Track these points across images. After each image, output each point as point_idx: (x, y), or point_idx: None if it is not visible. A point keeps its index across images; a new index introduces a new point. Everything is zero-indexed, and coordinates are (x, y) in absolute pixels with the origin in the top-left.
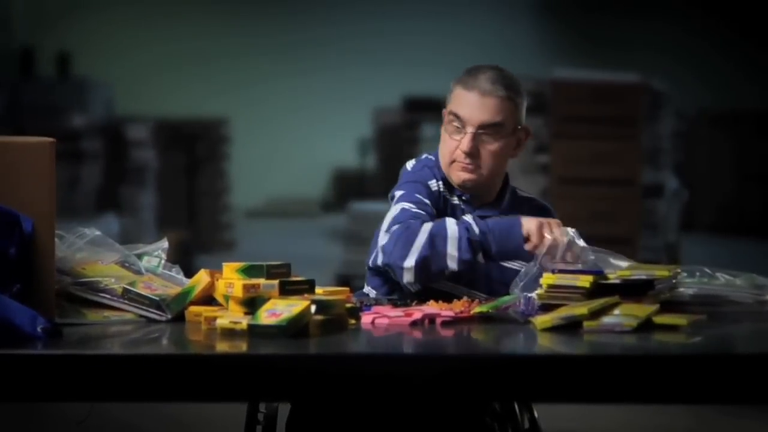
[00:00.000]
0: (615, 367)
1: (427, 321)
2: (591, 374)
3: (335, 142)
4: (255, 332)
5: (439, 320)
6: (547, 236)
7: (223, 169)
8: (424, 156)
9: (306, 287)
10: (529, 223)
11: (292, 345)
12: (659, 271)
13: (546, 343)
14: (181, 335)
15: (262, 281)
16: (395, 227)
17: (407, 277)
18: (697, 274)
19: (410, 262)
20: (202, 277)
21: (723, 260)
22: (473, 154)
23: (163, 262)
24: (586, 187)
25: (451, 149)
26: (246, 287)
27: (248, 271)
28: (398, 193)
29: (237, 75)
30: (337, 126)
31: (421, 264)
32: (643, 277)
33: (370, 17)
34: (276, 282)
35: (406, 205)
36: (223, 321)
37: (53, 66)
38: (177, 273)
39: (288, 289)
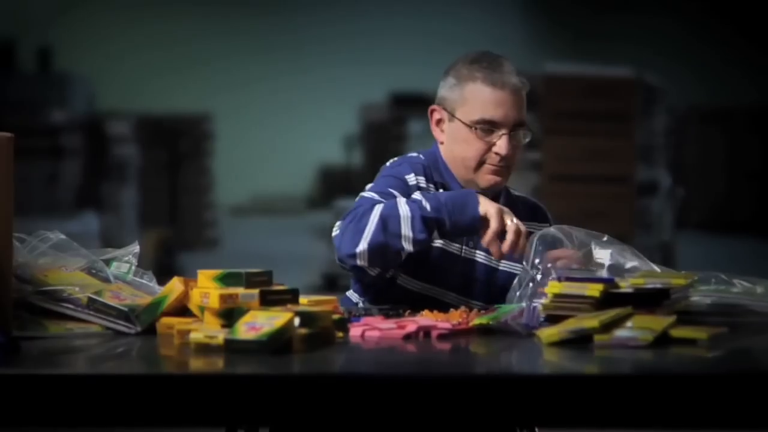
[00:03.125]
0: (630, 387)
1: (421, 334)
2: (604, 395)
3: (321, 138)
4: (232, 348)
5: (434, 333)
6: (509, 222)
7: (206, 165)
8: (410, 154)
9: (289, 297)
10: (487, 205)
11: (273, 363)
12: (675, 279)
13: (553, 359)
14: (151, 351)
15: (240, 290)
16: (347, 218)
17: (360, 262)
18: (713, 280)
19: (362, 246)
20: (175, 286)
21: (717, 259)
22: (510, 155)
23: (133, 268)
24: (578, 185)
25: (481, 151)
26: (223, 297)
27: (225, 279)
28: (368, 187)
29: (221, 70)
30: (323, 122)
31: (375, 247)
32: (658, 285)
33: (356, 13)
34: (256, 291)
35: (368, 194)
36: (197, 335)
37: (34, 60)
38: (149, 280)
39: (269, 300)
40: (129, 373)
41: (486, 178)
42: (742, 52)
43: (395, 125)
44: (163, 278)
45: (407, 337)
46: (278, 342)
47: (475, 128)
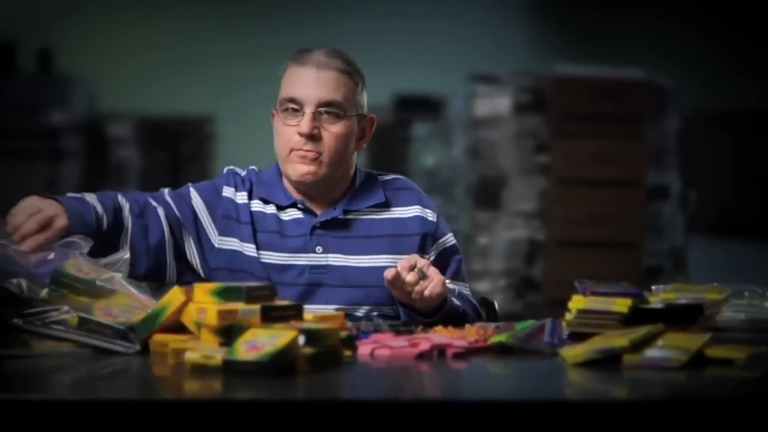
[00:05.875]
0: (664, 413)
1: (435, 352)
2: (635, 422)
3: None
4: (231, 369)
5: (450, 352)
6: None
7: (208, 168)
8: (251, 167)
9: (292, 313)
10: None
11: (276, 386)
12: (709, 294)
13: (578, 382)
14: (143, 372)
15: (240, 306)
16: None
17: None
18: (746, 294)
19: None
20: (175, 296)
21: (727, 265)
22: (315, 136)
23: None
24: (587, 189)
25: (288, 137)
26: (221, 313)
27: (224, 294)
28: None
29: (222, 72)
30: None
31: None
32: (691, 301)
33: (359, 13)
34: (257, 307)
35: (166, 190)
36: (193, 355)
37: (35, 61)
38: (144, 292)
39: (271, 316)
40: (117, 399)
41: (293, 167)
42: (748, 55)
43: (399, 127)
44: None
45: (420, 356)
46: (281, 363)
47: (281, 108)
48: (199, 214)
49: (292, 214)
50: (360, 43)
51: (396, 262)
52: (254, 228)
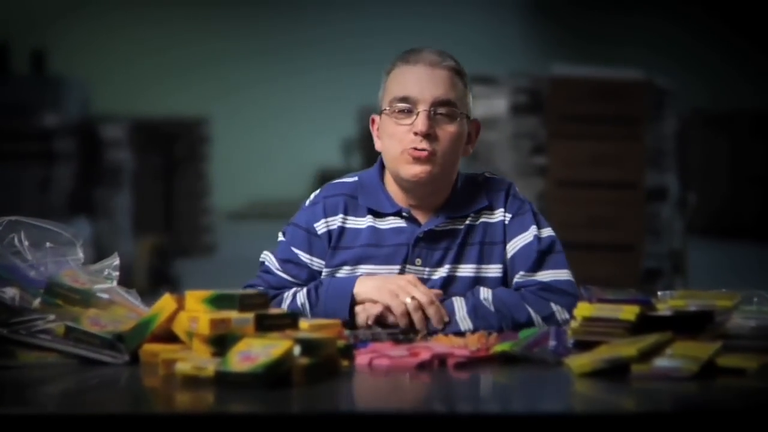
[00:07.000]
0: (675, 425)
1: (436, 362)
2: None
3: (319, 141)
4: (224, 381)
5: (451, 361)
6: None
7: (202, 170)
8: (344, 179)
9: (288, 322)
10: (368, 292)
11: (270, 399)
12: (720, 301)
13: (585, 393)
14: (132, 383)
15: (233, 314)
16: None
17: None
18: (755, 299)
19: None
20: (166, 304)
21: (726, 267)
22: (431, 135)
23: (114, 283)
24: (586, 191)
25: (401, 136)
26: (214, 322)
27: (217, 302)
28: (281, 236)
29: (217, 73)
30: (321, 125)
31: None
32: (700, 308)
33: (355, 14)
34: (251, 315)
35: (275, 263)
36: (184, 366)
37: (28, 63)
38: (134, 299)
39: (266, 325)
40: (105, 412)
41: (406, 168)
42: (747, 55)
43: None
44: (158, 285)
45: (421, 366)
46: (276, 374)
47: (393, 109)
48: (313, 266)
49: (392, 223)
50: (357, 44)
51: (480, 272)
52: (348, 245)
